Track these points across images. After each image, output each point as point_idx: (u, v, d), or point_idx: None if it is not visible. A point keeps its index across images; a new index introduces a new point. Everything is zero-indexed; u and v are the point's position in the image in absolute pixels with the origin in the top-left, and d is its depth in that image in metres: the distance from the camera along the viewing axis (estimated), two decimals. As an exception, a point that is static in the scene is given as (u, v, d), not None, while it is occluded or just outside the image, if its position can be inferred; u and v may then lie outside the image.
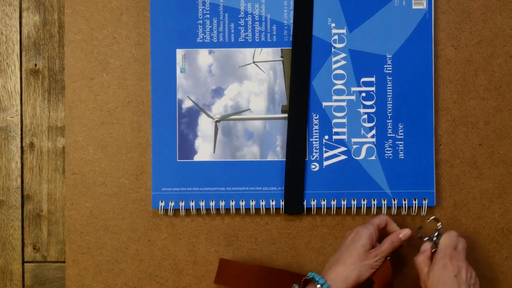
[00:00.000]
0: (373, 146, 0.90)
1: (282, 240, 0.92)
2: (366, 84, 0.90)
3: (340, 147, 0.90)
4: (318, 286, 0.80)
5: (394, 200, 0.90)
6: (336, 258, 0.83)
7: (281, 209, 0.91)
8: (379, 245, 0.85)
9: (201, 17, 0.91)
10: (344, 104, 0.90)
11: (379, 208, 0.90)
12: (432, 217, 0.89)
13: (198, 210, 0.91)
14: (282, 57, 0.91)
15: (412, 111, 0.90)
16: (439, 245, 0.85)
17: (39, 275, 0.93)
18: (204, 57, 0.91)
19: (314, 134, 0.90)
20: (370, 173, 0.90)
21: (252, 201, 0.90)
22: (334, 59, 0.90)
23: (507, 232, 0.92)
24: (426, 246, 0.86)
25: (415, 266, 0.84)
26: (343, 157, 0.90)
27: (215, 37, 0.91)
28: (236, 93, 0.91)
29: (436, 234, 0.86)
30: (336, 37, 0.91)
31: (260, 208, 0.91)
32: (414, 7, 0.90)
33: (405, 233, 0.86)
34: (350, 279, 0.81)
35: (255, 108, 0.91)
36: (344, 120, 0.90)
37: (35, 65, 0.93)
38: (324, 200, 0.90)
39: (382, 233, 0.87)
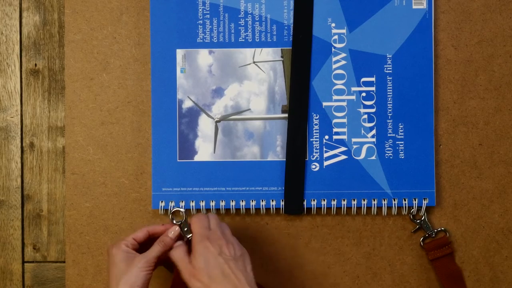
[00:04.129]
0: (373, 146, 0.90)
1: (282, 240, 0.92)
2: (366, 84, 0.90)
3: (340, 147, 0.90)
4: None
5: (395, 200, 0.90)
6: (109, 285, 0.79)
7: (281, 209, 0.91)
8: (150, 249, 0.80)
9: (201, 17, 0.91)
10: (344, 104, 0.90)
11: (379, 208, 0.90)
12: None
13: (198, 210, 0.91)
14: (282, 57, 0.91)
15: (412, 111, 0.90)
16: (193, 231, 0.80)
17: (39, 275, 0.93)
18: (204, 57, 0.91)
19: (314, 134, 0.90)
20: (370, 173, 0.90)
21: (252, 201, 0.90)
22: (334, 59, 0.90)
23: (507, 232, 0.92)
24: (175, 232, 0.82)
25: (173, 260, 0.79)
26: (343, 157, 0.90)
27: (215, 37, 0.91)
28: (236, 93, 0.91)
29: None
30: (336, 37, 0.91)
31: (260, 208, 0.91)
32: (414, 7, 0.90)
33: (173, 232, 0.81)
34: None
35: (255, 108, 0.91)
36: (344, 120, 0.90)
37: (35, 65, 0.93)
38: (324, 200, 0.90)
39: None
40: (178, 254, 0.79)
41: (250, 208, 0.90)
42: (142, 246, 0.82)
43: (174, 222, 0.83)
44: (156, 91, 0.91)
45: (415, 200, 0.90)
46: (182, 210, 0.84)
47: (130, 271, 0.77)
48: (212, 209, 0.90)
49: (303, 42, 0.90)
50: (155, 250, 0.80)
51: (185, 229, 0.82)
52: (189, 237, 0.81)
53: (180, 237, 0.82)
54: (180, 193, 0.90)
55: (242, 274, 0.76)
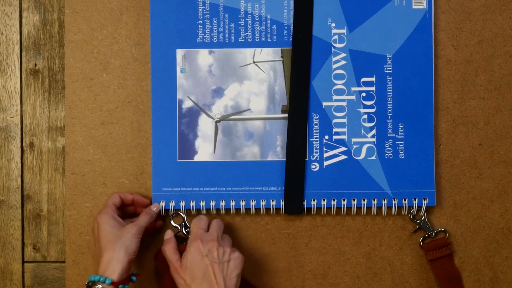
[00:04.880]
0: (373, 146, 0.90)
1: (282, 240, 0.92)
2: (366, 84, 0.90)
3: (340, 147, 0.90)
4: (99, 286, 0.79)
5: (395, 200, 0.90)
6: (98, 253, 0.84)
7: (281, 209, 0.91)
8: (136, 218, 0.87)
9: (201, 17, 0.91)
10: (344, 104, 0.90)
11: (379, 208, 0.90)
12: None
13: (198, 210, 0.91)
14: (282, 57, 0.91)
15: (412, 111, 0.90)
16: (190, 230, 0.86)
17: (39, 275, 0.93)
18: (204, 57, 0.91)
19: (314, 134, 0.90)
20: (370, 173, 0.90)
21: (252, 201, 0.90)
22: (334, 59, 0.90)
23: (507, 232, 0.92)
24: (169, 234, 0.87)
25: (165, 256, 0.84)
26: (343, 157, 0.90)
27: (215, 37, 0.91)
28: (236, 93, 0.91)
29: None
30: (336, 37, 0.91)
31: (260, 208, 0.91)
32: (414, 7, 0.90)
33: (155, 208, 0.88)
34: (120, 258, 0.81)
35: (255, 108, 0.91)
36: (344, 120, 0.90)
37: (35, 65, 0.93)
38: (324, 200, 0.90)
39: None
40: (169, 251, 0.84)
41: (250, 208, 0.90)
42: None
43: (173, 224, 0.89)
44: (156, 91, 0.91)
45: (415, 200, 0.90)
46: (183, 214, 0.89)
47: (125, 236, 0.83)
48: (212, 209, 0.90)
49: (303, 42, 0.90)
50: (144, 220, 0.86)
51: (186, 230, 0.88)
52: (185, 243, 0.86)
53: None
54: (180, 193, 0.90)
55: (223, 278, 0.79)
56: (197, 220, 0.86)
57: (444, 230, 0.91)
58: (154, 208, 0.88)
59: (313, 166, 0.90)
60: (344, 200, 0.90)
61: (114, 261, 0.80)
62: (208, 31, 0.91)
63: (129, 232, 0.83)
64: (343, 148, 0.90)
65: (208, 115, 0.91)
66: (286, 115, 0.90)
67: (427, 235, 0.91)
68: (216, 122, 0.91)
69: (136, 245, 0.83)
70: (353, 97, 0.90)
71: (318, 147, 0.90)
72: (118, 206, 0.88)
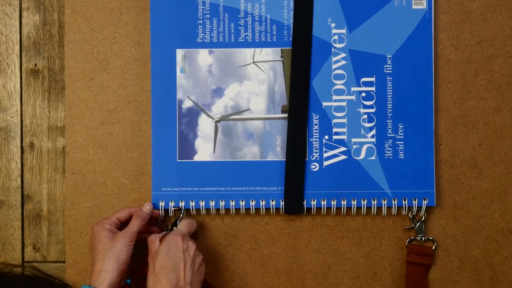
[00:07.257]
0: (373, 146, 0.90)
1: (282, 240, 0.92)
2: (366, 84, 0.90)
3: (340, 147, 0.90)
4: None
5: (394, 200, 0.90)
6: (91, 263, 0.84)
7: (281, 209, 0.91)
8: (129, 225, 0.86)
9: (201, 17, 0.91)
10: (344, 104, 0.90)
11: (379, 208, 0.90)
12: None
13: (198, 210, 0.91)
14: (282, 57, 0.91)
15: (412, 111, 0.90)
16: (177, 227, 0.87)
17: (39, 275, 0.93)
18: (204, 57, 0.91)
19: (314, 134, 0.90)
20: (370, 173, 0.90)
21: (252, 201, 0.90)
22: (334, 59, 0.90)
23: (507, 232, 0.92)
24: (162, 233, 0.87)
25: (147, 244, 0.85)
26: (343, 157, 0.90)
27: (215, 37, 0.91)
28: (236, 93, 0.91)
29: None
30: (336, 37, 0.91)
31: (260, 208, 0.91)
32: (414, 7, 0.90)
33: (148, 206, 0.88)
34: (110, 269, 0.81)
35: (255, 108, 0.91)
36: (344, 120, 0.90)
37: (35, 65, 0.93)
38: (324, 200, 0.90)
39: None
40: (152, 237, 0.85)
41: (250, 208, 0.90)
42: (123, 225, 0.87)
43: (159, 226, 0.90)
44: (156, 91, 0.91)
45: (415, 200, 0.90)
46: (182, 215, 0.90)
47: (115, 246, 0.82)
48: (212, 209, 0.90)
49: (303, 42, 0.90)
50: (135, 225, 0.85)
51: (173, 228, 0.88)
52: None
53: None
54: (180, 193, 0.90)
55: (190, 275, 0.81)
56: (188, 221, 0.88)
57: (433, 239, 0.90)
58: (144, 209, 0.88)
59: (313, 166, 0.90)
60: (344, 200, 0.90)
61: (104, 273, 0.81)
62: (208, 31, 0.91)
63: (119, 241, 0.83)
64: (343, 148, 0.90)
65: (208, 115, 0.91)
66: (286, 115, 0.90)
67: (417, 237, 0.90)
68: (216, 122, 0.91)
69: (127, 253, 0.83)
70: (353, 97, 0.90)
71: (318, 147, 0.90)
72: (123, 220, 0.87)
